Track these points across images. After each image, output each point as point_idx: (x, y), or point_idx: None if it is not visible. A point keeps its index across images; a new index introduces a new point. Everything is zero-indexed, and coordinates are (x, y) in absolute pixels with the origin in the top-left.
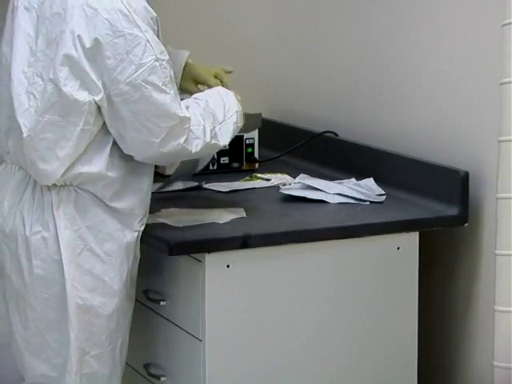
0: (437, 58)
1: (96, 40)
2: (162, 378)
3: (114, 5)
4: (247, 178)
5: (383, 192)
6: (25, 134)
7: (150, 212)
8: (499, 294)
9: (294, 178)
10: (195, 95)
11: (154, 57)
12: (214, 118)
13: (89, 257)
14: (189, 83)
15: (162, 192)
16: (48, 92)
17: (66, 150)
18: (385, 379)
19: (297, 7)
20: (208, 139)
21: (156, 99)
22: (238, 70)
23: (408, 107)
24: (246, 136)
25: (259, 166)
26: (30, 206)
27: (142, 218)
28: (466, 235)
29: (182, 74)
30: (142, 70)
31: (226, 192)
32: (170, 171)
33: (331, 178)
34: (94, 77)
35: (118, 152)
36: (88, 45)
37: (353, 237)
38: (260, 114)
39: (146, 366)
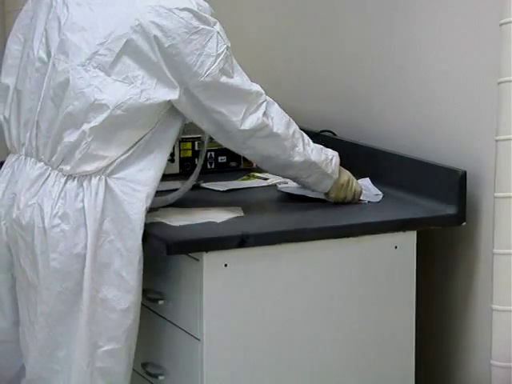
0: (435, 57)
1: (174, 39)
2: (160, 377)
3: (185, 4)
4: (245, 177)
5: (380, 192)
6: (92, 125)
7: (148, 211)
8: (497, 293)
9: None
10: None
11: (225, 46)
12: (306, 138)
13: (109, 250)
14: None
15: (161, 192)
16: (117, 88)
17: (125, 138)
18: (382, 378)
19: (296, 7)
20: (290, 132)
21: (232, 82)
22: None
23: (406, 106)
24: None
25: (257, 165)
26: (50, 199)
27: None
28: (463, 234)
29: None
30: (219, 60)
31: (223, 191)
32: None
33: None
34: (170, 75)
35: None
36: (166, 44)
37: (350, 236)
38: None
39: (144, 365)
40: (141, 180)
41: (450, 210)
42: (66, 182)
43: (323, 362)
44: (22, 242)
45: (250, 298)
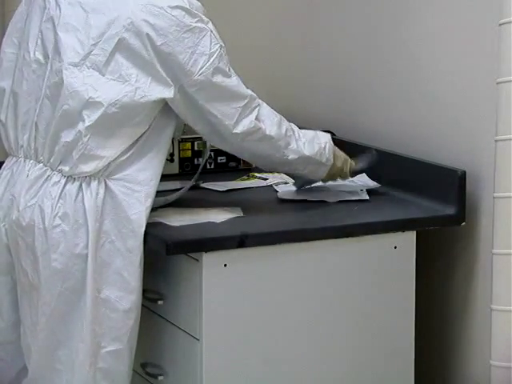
0: (434, 57)
1: (166, 37)
2: (160, 378)
3: (177, 2)
4: (244, 177)
5: (378, 185)
6: (87, 124)
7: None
8: (496, 293)
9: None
10: None
11: (219, 45)
12: (298, 132)
13: (110, 250)
14: None
15: (161, 192)
16: (114, 88)
17: (122, 137)
18: (382, 378)
19: (296, 6)
20: (283, 131)
21: (227, 84)
22: (235, 68)
23: (405, 106)
24: None
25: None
26: (50, 199)
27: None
28: (463, 234)
29: None
30: (212, 58)
31: (223, 191)
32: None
33: None
34: (164, 73)
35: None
36: (158, 42)
37: (350, 236)
38: None
39: (144, 366)
40: (139, 180)
41: (450, 210)
42: (65, 183)
43: (323, 362)
44: (23, 244)
45: (249, 298)
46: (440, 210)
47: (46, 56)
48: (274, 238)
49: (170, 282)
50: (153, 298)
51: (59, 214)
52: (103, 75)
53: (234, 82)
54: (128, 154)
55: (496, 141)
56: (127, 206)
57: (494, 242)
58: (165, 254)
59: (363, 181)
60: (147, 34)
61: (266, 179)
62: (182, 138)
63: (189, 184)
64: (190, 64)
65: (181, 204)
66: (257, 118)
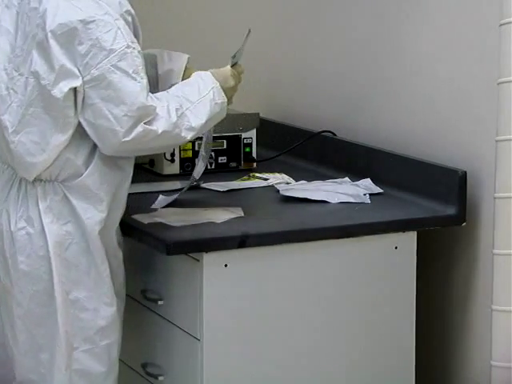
0: (435, 57)
1: (68, 27)
2: (160, 378)
3: None
4: (245, 177)
5: (381, 190)
6: (10, 130)
7: (148, 211)
8: (497, 294)
9: (292, 177)
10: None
11: (125, 43)
12: (184, 100)
13: (76, 251)
14: None
15: (160, 192)
16: (30, 85)
17: (53, 142)
18: (383, 378)
19: (295, 7)
20: (174, 118)
21: (125, 85)
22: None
23: (406, 107)
24: (243, 135)
25: (257, 165)
26: (15, 203)
27: (122, 212)
28: (463, 235)
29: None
30: (112, 55)
31: (223, 191)
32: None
33: (329, 178)
34: (68, 64)
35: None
36: (59, 31)
37: (350, 236)
38: (258, 114)
39: (144, 366)
40: (91, 185)
41: (450, 210)
42: (26, 187)
43: (323, 362)
44: None
45: (249, 298)
46: (440, 211)
47: None
48: (275, 238)
49: (170, 282)
50: (153, 298)
51: (24, 217)
52: (22, 75)
53: (135, 87)
54: (81, 160)
55: (497, 141)
56: (82, 210)
57: (494, 243)
58: (165, 254)
59: (367, 186)
60: (50, 26)
61: (266, 179)
62: None
63: (188, 184)
64: (89, 56)
65: (181, 204)
66: (148, 123)
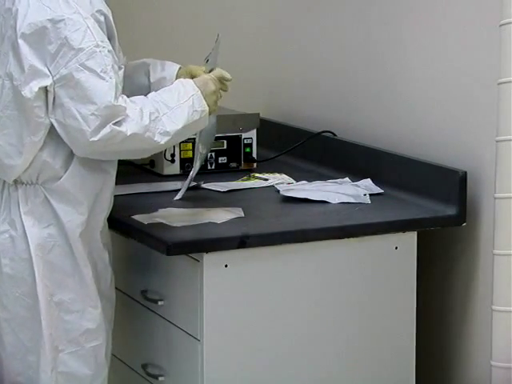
0: (435, 57)
1: (37, 26)
2: (160, 378)
3: None
4: (245, 177)
5: (381, 190)
6: None
7: (148, 212)
8: (497, 294)
9: (292, 177)
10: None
11: (94, 42)
12: (162, 105)
13: (59, 254)
14: None
15: (162, 192)
16: (6, 87)
17: (27, 144)
18: (383, 379)
19: (295, 7)
20: (145, 122)
21: (92, 84)
22: (236, 70)
23: (406, 107)
24: (244, 136)
25: (257, 165)
26: (0, 206)
27: (106, 214)
28: (463, 235)
29: None
30: (81, 54)
31: (223, 192)
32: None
33: (329, 178)
34: (38, 64)
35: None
36: (28, 31)
37: (351, 237)
38: (258, 114)
39: (144, 366)
40: (68, 188)
41: (451, 210)
42: (9, 190)
43: (323, 362)
44: None
45: (250, 299)
46: (441, 211)
47: None
48: (275, 238)
49: (170, 282)
50: (153, 299)
51: (7, 220)
52: (0, 77)
53: (103, 86)
54: (59, 163)
55: (497, 141)
56: (62, 212)
57: (494, 243)
58: (166, 255)
59: (367, 186)
60: (20, 26)
61: (266, 180)
62: None
63: (187, 183)
64: (59, 55)
65: (182, 204)
66: (117, 124)
